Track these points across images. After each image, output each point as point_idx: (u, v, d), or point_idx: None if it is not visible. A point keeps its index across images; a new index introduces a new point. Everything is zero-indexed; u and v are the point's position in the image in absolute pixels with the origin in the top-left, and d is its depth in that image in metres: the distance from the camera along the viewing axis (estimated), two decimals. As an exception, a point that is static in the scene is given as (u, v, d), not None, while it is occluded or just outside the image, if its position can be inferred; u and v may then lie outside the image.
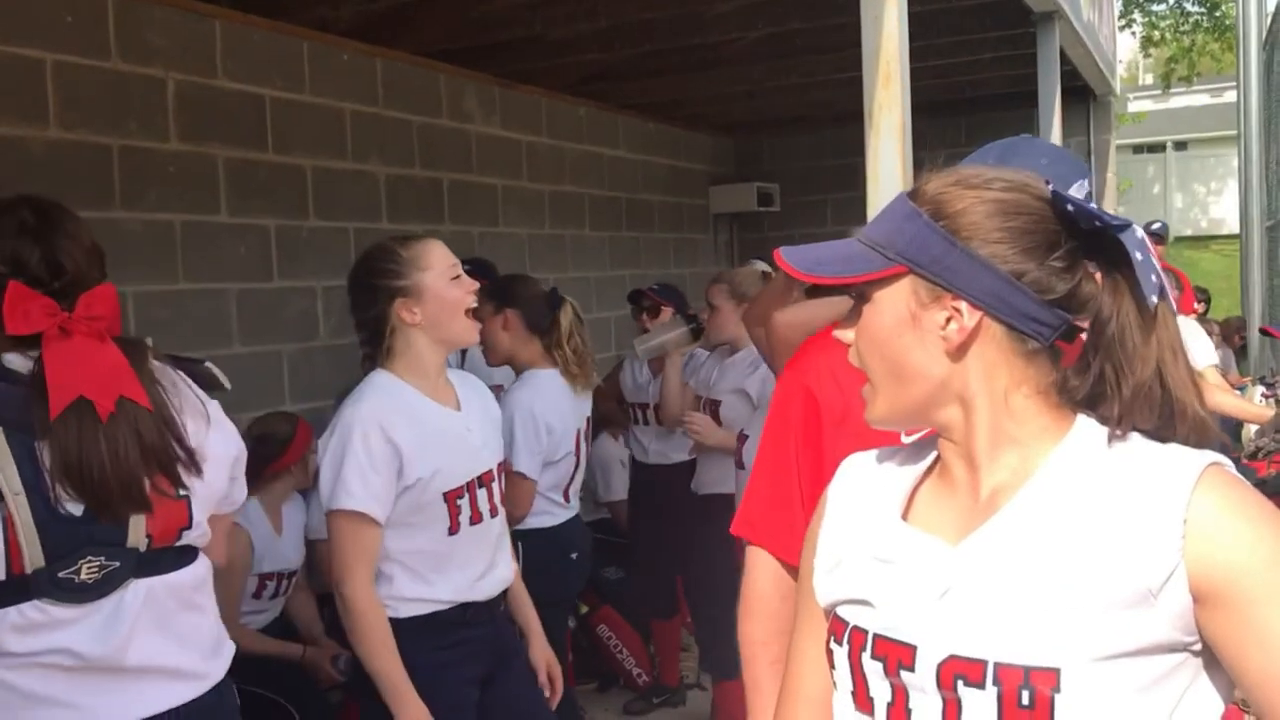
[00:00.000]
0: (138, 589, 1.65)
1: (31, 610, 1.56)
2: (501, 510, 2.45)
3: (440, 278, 2.29)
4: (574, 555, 3.35)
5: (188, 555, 1.74)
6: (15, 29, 3.18)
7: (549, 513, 3.31)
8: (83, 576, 1.58)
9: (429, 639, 2.27)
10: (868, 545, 1.08)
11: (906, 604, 1.02)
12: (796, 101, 6.49)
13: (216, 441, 1.77)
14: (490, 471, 2.39)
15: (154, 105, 3.62)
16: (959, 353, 1.03)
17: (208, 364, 1.85)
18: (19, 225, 1.63)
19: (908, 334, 1.03)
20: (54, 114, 3.29)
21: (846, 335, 1.10)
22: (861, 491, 1.14)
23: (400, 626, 2.24)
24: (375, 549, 2.23)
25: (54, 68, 3.29)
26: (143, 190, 3.57)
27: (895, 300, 1.04)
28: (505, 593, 2.48)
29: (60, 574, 1.57)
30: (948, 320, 1.02)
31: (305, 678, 3.47)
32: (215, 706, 1.77)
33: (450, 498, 2.28)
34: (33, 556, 1.54)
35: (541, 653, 2.59)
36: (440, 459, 2.26)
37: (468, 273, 2.42)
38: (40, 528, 1.54)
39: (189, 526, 1.72)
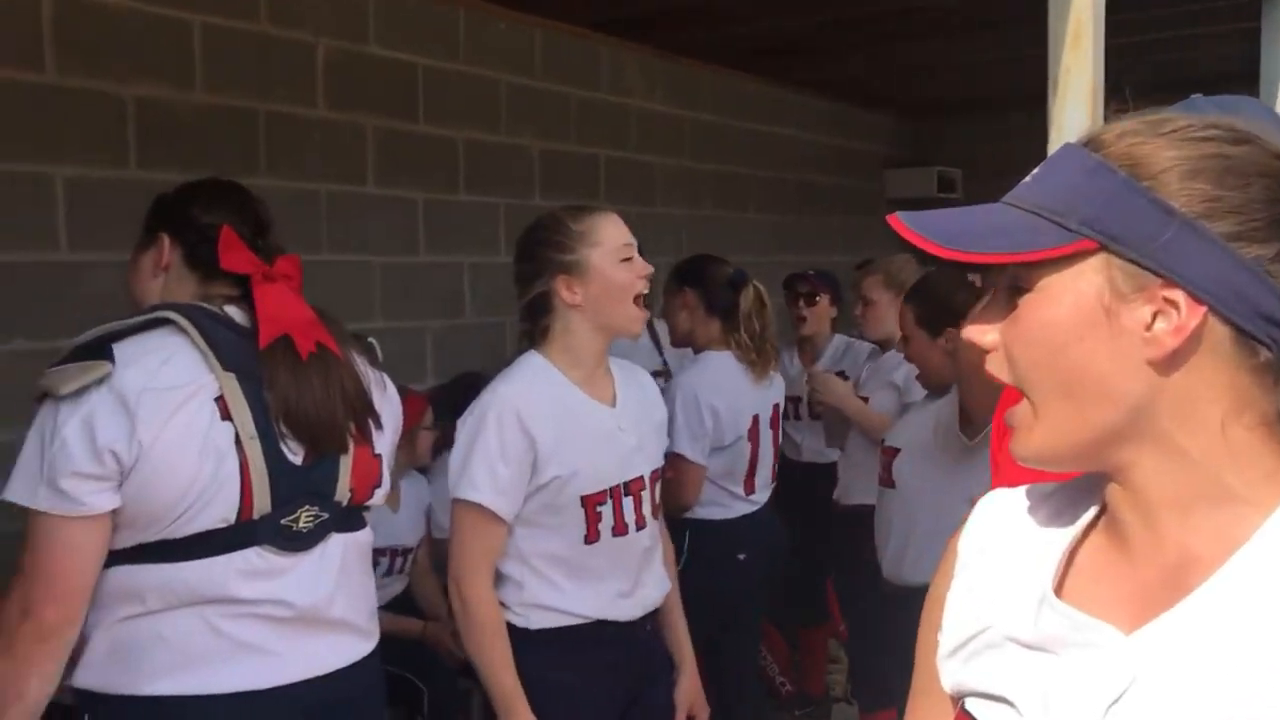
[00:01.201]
0: (337, 543, 1.72)
1: (255, 556, 1.62)
2: (653, 523, 2.20)
3: (609, 256, 2.06)
4: (741, 556, 3.11)
5: (363, 519, 1.81)
6: (164, -10, 3.14)
7: (720, 504, 3.11)
8: (300, 525, 1.66)
9: (560, 655, 2.06)
10: (1010, 624, 0.80)
11: (1063, 712, 0.74)
12: (984, 80, 6.04)
13: (388, 410, 1.84)
14: (641, 479, 2.15)
15: (302, 70, 3.54)
16: (1168, 364, 0.73)
17: (371, 340, 1.97)
18: (226, 194, 1.81)
19: (1094, 336, 0.74)
20: (200, 77, 3.24)
21: (985, 336, 0.80)
22: (1002, 547, 0.86)
23: (528, 638, 2.04)
24: (498, 547, 2.04)
25: (202, 29, 3.24)
26: (289, 157, 3.51)
27: (1078, 289, 0.75)
28: (655, 613, 2.24)
29: (282, 521, 1.64)
30: (1154, 317, 0.73)
31: (433, 657, 3.37)
32: (376, 667, 1.83)
33: (589, 503, 2.06)
34: (261, 502, 1.61)
35: (688, 691, 2.32)
36: (582, 459, 2.05)
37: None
38: (271, 474, 1.61)
39: (379, 484, 1.80)
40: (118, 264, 2.95)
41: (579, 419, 2.08)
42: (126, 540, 1.60)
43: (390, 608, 3.42)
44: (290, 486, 1.65)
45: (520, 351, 2.15)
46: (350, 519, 1.78)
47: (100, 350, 1.58)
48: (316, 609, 1.70)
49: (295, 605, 1.68)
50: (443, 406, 3.70)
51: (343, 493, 1.73)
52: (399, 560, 3.46)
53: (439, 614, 3.53)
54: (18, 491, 1.56)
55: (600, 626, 2.09)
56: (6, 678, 1.55)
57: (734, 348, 3.14)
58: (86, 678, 1.62)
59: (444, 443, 3.68)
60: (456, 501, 2.03)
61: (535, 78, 4.44)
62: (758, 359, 3.15)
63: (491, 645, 2.02)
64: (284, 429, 1.66)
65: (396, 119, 3.86)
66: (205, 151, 3.19)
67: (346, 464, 1.74)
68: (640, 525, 2.14)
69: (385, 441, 1.84)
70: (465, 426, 2.05)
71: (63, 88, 2.89)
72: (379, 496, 1.84)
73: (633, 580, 2.15)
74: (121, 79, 3.03)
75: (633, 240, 2.11)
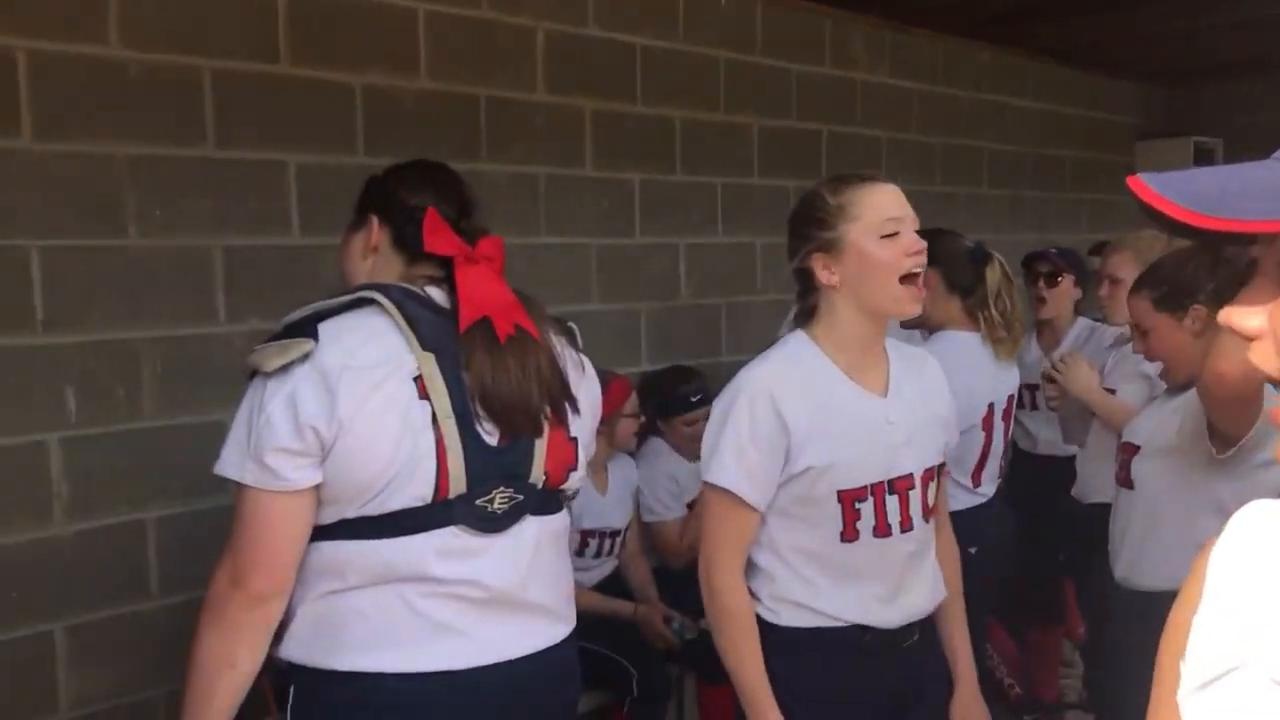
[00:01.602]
0: (531, 526, 1.72)
1: (450, 536, 1.63)
2: (923, 526, 2.02)
3: (868, 232, 1.90)
4: (973, 550, 2.95)
5: (560, 502, 1.80)
6: (389, -20, 3.22)
7: (950, 495, 2.95)
8: (495, 506, 1.65)
9: (810, 656, 1.95)
10: (1276, 663, 0.67)
11: None
12: (1247, 42, 5.52)
13: (586, 393, 1.82)
14: (909, 477, 1.98)
15: (522, 55, 3.57)
16: None
17: (571, 324, 1.89)
18: (432, 176, 1.84)
19: None
20: (424, 65, 3.31)
21: (1250, 320, 0.67)
22: (1266, 570, 0.72)
23: (779, 635, 1.95)
24: (747, 535, 1.95)
25: (426, 17, 3.31)
26: (508, 141, 3.54)
27: None
28: (925, 623, 2.07)
29: (477, 501, 1.64)
30: None
31: (643, 642, 3.37)
32: (572, 650, 1.83)
33: (847, 498, 1.93)
34: (456, 482, 1.61)
35: (965, 708, 2.12)
36: (840, 450, 1.91)
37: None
38: (466, 454, 1.61)
39: (575, 468, 1.78)
40: (344, 247, 3.09)
41: (840, 407, 1.94)
42: (329, 516, 1.63)
43: (601, 589, 3.44)
44: (485, 467, 1.65)
45: (791, 330, 2.05)
46: (545, 502, 1.76)
47: (306, 328, 1.61)
48: (511, 591, 1.70)
49: (490, 587, 1.67)
50: (649, 394, 3.68)
51: (537, 475, 1.72)
52: (608, 542, 3.46)
53: (649, 596, 3.51)
54: (227, 465, 1.61)
55: (856, 631, 1.96)
56: (217, 647, 1.60)
57: (981, 326, 3.00)
58: (292, 650, 1.67)
59: (648, 429, 3.67)
60: (705, 484, 1.96)
61: (755, 54, 4.34)
62: (1006, 337, 3.00)
63: (738, 635, 1.94)
64: (480, 410, 1.65)
65: (614, 100, 3.84)
66: (428, 137, 3.26)
67: (541, 447, 1.72)
68: (906, 527, 1.97)
69: (582, 425, 1.81)
70: (718, 406, 1.97)
71: (295, 78, 3.01)
72: (574, 480, 1.81)
73: (895, 585, 1.99)
74: (350, 68, 3.13)
75: (901, 214, 1.92)
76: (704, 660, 3.43)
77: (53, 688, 2.66)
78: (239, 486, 1.60)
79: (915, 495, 1.98)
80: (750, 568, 1.98)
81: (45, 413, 2.61)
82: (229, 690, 1.61)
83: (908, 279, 1.91)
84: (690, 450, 3.68)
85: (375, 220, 1.80)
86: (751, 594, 1.97)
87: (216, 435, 2.82)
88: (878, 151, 4.91)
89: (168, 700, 2.81)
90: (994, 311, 2.99)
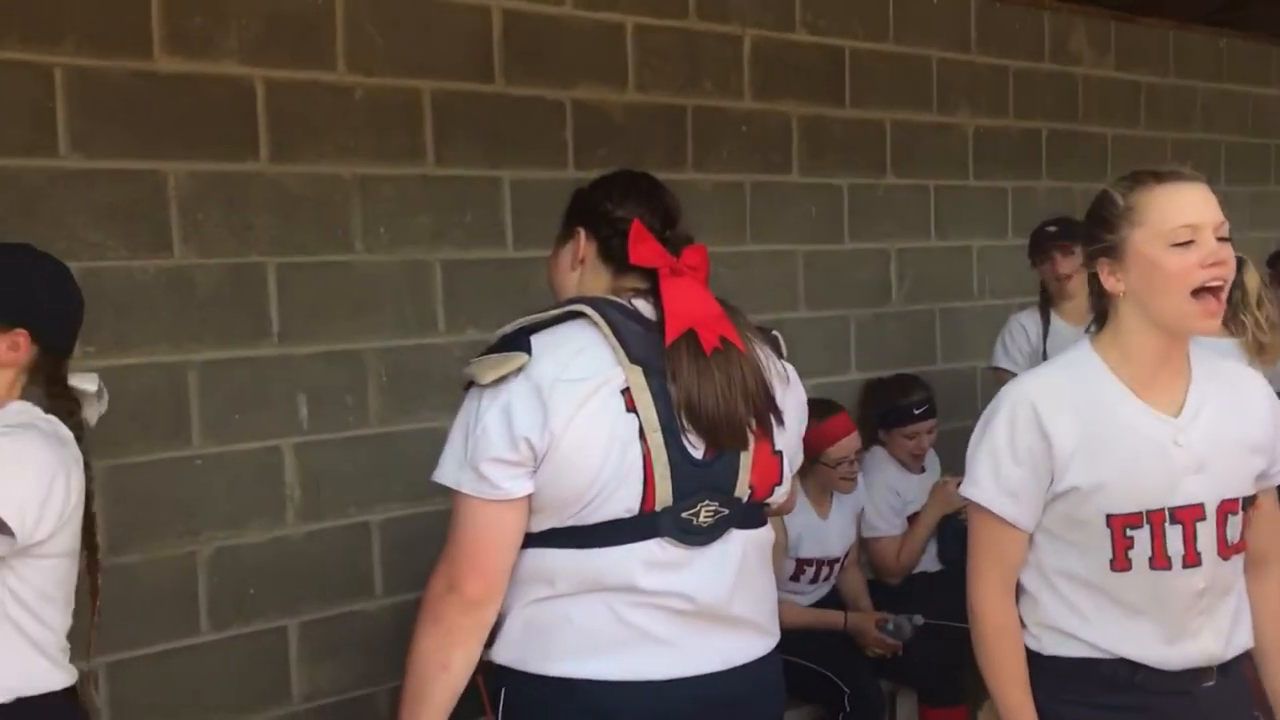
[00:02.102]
0: (736, 540, 1.70)
1: (656, 548, 1.63)
2: (1218, 565, 1.78)
3: (1155, 239, 1.73)
4: None
5: (763, 517, 1.78)
6: (598, -6, 3.27)
7: None
8: (700, 519, 1.65)
9: (1076, 689, 1.81)
10: None
11: None
12: None
13: (792, 405, 1.79)
14: (1199, 507, 1.75)
15: (729, 63, 3.56)
16: None
17: (775, 333, 1.89)
18: (636, 186, 1.82)
19: None
20: (632, 76, 3.35)
21: None
22: None
23: (1042, 663, 1.82)
24: (1012, 555, 1.83)
25: (634, 30, 3.35)
26: (714, 150, 3.54)
27: None
28: (1227, 669, 1.83)
29: (683, 514, 1.64)
30: None
31: (856, 655, 3.29)
32: (776, 665, 1.81)
33: (1117, 524, 1.75)
34: (663, 494, 1.61)
35: None
36: (1111, 471, 1.74)
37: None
38: (672, 466, 1.61)
39: (780, 482, 1.76)
40: (555, 260, 3.16)
41: (1117, 425, 1.77)
42: (540, 524, 1.66)
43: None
44: (691, 480, 1.64)
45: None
46: (750, 516, 1.74)
47: (519, 341, 1.65)
48: (716, 605, 1.69)
49: (696, 599, 1.67)
50: (871, 402, 3.60)
51: (742, 489, 1.70)
52: (825, 569, 3.38)
53: (862, 606, 3.43)
54: (445, 474, 1.66)
55: (1125, 667, 1.79)
56: (432, 650, 1.65)
57: (1246, 332, 2.85)
58: (503, 654, 1.70)
59: (869, 438, 3.58)
60: (966, 499, 1.87)
61: (970, 51, 4.20)
62: (1271, 342, 2.86)
63: (1001, 658, 1.83)
64: (685, 423, 1.64)
65: (822, 104, 3.79)
66: (635, 148, 3.29)
67: (746, 460, 1.70)
68: (1191, 562, 1.75)
69: (788, 438, 1.78)
70: (981, 418, 1.86)
71: (509, 96, 3.10)
72: (778, 495, 1.79)
73: (1177, 624, 1.78)
74: (561, 83, 3.20)
75: (1199, 219, 1.72)
76: (926, 679, 3.34)
77: (286, 680, 2.82)
78: (455, 494, 1.65)
79: (1206, 528, 1.76)
80: (1016, 589, 1.87)
81: (280, 419, 2.77)
82: (443, 691, 1.66)
83: (1203, 292, 1.72)
84: (912, 463, 3.59)
85: (582, 233, 1.81)
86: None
87: (436, 441, 2.92)
88: (1102, 149, 4.66)
89: (389, 697, 2.93)
90: (1258, 316, 2.85)
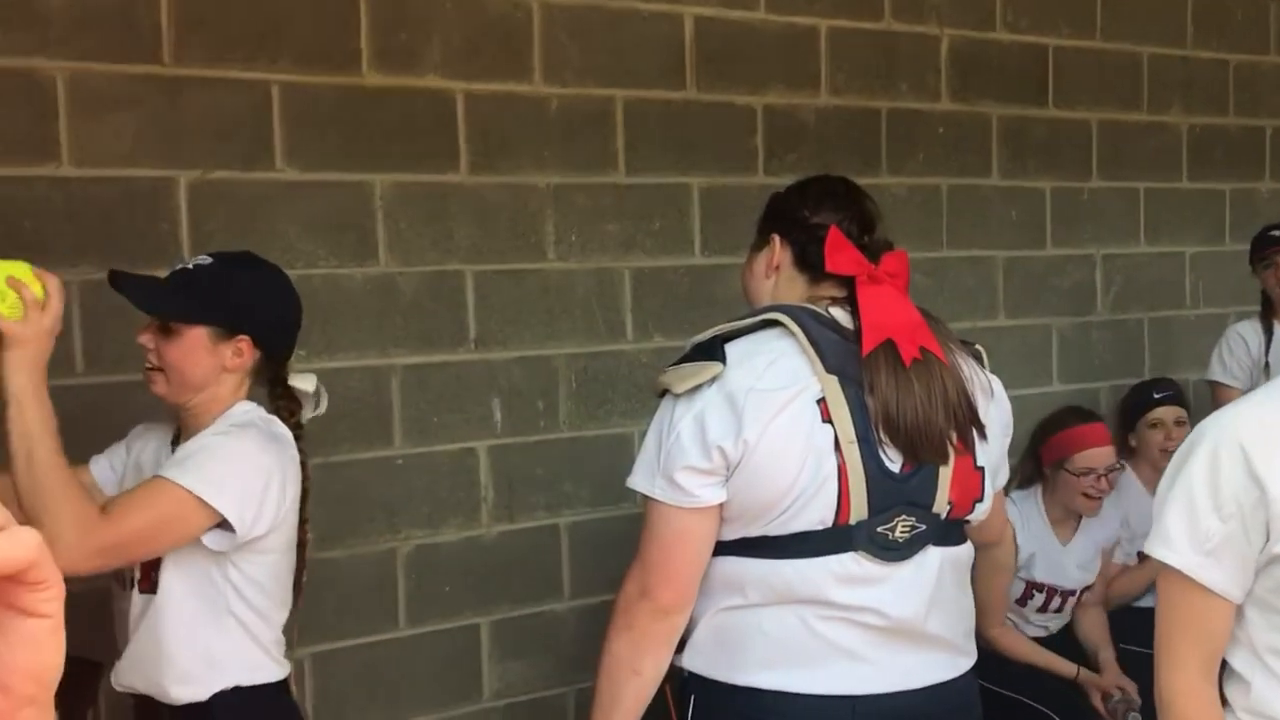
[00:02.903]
0: (933, 556, 1.68)
1: (850, 562, 1.62)
2: None
3: None
4: None
5: (963, 534, 1.76)
6: (791, -1, 3.24)
7: None
8: (896, 534, 1.63)
9: None
10: None
11: None
12: None
13: (996, 418, 1.76)
14: None
15: (926, 64, 3.47)
16: None
17: (978, 346, 1.84)
18: (834, 191, 1.82)
19: None
20: (825, 80, 3.30)
21: None
22: None
23: None
24: (1210, 628, 1.47)
25: (828, 33, 3.30)
26: (910, 154, 3.46)
27: None
28: None
29: (878, 529, 1.62)
30: None
31: (1085, 702, 3.04)
32: (971, 687, 1.78)
33: None
34: (858, 508, 1.60)
35: None
36: None
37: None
38: (868, 480, 1.59)
39: (981, 499, 1.72)
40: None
41: None
42: (732, 533, 1.65)
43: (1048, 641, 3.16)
44: (887, 494, 1.61)
45: None
46: (949, 533, 1.70)
47: (714, 350, 1.64)
48: (912, 622, 1.66)
49: (890, 616, 1.64)
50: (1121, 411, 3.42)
51: (941, 505, 1.66)
52: (1057, 599, 3.15)
53: (1100, 657, 3.17)
54: (638, 480, 1.67)
55: None
56: (624, 654, 1.66)
57: None
58: (693, 661, 1.71)
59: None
60: (1156, 561, 1.52)
61: (1186, 46, 3.96)
62: None
63: None
64: (883, 436, 1.61)
65: (1024, 105, 3.65)
66: (827, 153, 3.25)
67: (946, 475, 1.65)
68: None
69: (991, 453, 1.72)
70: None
71: (699, 102, 3.10)
72: (980, 511, 1.74)
73: None
74: (752, 89, 3.18)
75: None
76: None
77: (478, 677, 2.89)
78: (649, 500, 1.66)
79: None
80: (1222, 668, 1.54)
81: (475, 422, 2.85)
82: (634, 695, 1.67)
83: None
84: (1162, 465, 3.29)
85: (777, 239, 1.80)
86: (1223, 700, 1.54)
87: (623, 446, 2.99)
88: (1335, 147, 4.33)
89: (577, 698, 2.97)
90: None
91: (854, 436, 1.60)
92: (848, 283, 1.71)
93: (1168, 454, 3.27)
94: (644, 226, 3.05)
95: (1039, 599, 3.14)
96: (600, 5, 2.95)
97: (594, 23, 2.95)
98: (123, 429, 2.15)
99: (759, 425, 1.58)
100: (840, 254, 1.70)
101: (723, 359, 1.62)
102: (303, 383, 2.01)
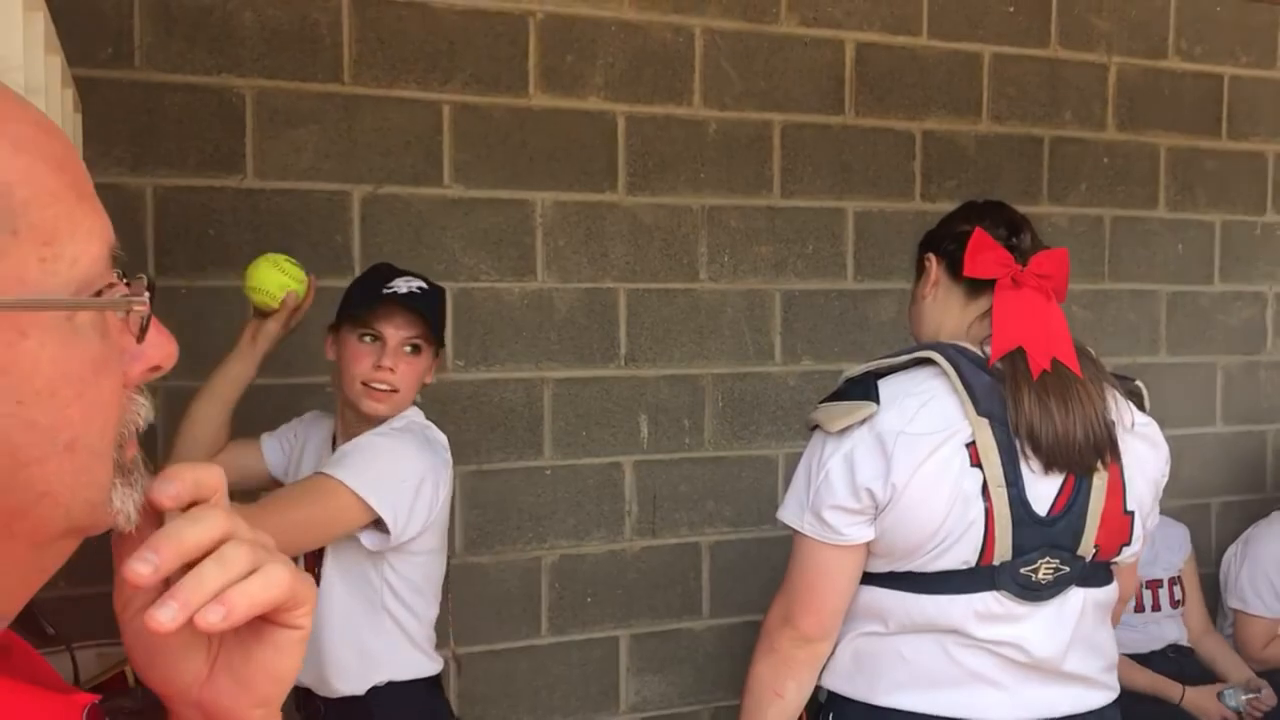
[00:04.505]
0: (1076, 597, 1.67)
1: (993, 601, 1.63)
2: None
3: None
4: None
5: (1109, 574, 1.75)
6: (956, 24, 3.20)
7: None
8: (1039, 576, 1.63)
9: None
10: None
11: None
12: None
13: (1150, 460, 1.72)
14: None
15: (1092, 92, 3.39)
16: None
17: (1138, 383, 1.80)
18: (983, 205, 1.81)
19: None
20: (986, 107, 3.26)
21: None
22: None
23: None
24: None
25: (992, 59, 3.26)
26: (1073, 183, 3.38)
27: None
28: None
29: (1021, 570, 1.62)
30: None
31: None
32: (1114, 715, 1.77)
33: None
34: (1002, 550, 1.60)
35: None
36: None
37: None
38: (1015, 523, 1.59)
39: (1129, 543, 1.70)
40: (897, 292, 3.12)
41: None
42: (879, 567, 1.66)
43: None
44: (1033, 537, 1.61)
45: None
46: (1094, 574, 1.69)
47: (868, 387, 1.65)
48: (1051, 660, 1.65)
49: (1030, 652, 1.64)
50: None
51: (1086, 548, 1.64)
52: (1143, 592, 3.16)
53: (1227, 674, 3.14)
54: (788, 515, 1.69)
55: None
56: (767, 677, 1.69)
57: None
58: (832, 681, 1.73)
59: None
60: None
61: (1373, 76, 3.78)
62: None
63: None
64: (1028, 450, 1.59)
65: (1195, 136, 3.53)
66: (986, 180, 3.20)
67: (1095, 519, 1.63)
68: None
69: (1142, 497, 1.69)
70: None
71: (857, 127, 3.10)
72: (1127, 555, 1.71)
73: None
74: (911, 115, 3.16)
75: None
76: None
77: (615, 689, 2.93)
78: (797, 534, 1.68)
79: None
80: None
81: (623, 437, 2.90)
82: (776, 717, 1.69)
83: None
84: None
85: (933, 256, 1.80)
86: None
87: (766, 469, 3.00)
88: None
89: (712, 716, 2.98)
90: None
91: (1002, 480, 1.59)
92: None
93: None
94: (796, 249, 3.06)
95: (1148, 597, 3.13)
96: (762, 30, 2.98)
97: (755, 48, 2.98)
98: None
99: (908, 469, 1.58)
100: (981, 254, 1.68)
101: (875, 398, 1.63)
102: None
